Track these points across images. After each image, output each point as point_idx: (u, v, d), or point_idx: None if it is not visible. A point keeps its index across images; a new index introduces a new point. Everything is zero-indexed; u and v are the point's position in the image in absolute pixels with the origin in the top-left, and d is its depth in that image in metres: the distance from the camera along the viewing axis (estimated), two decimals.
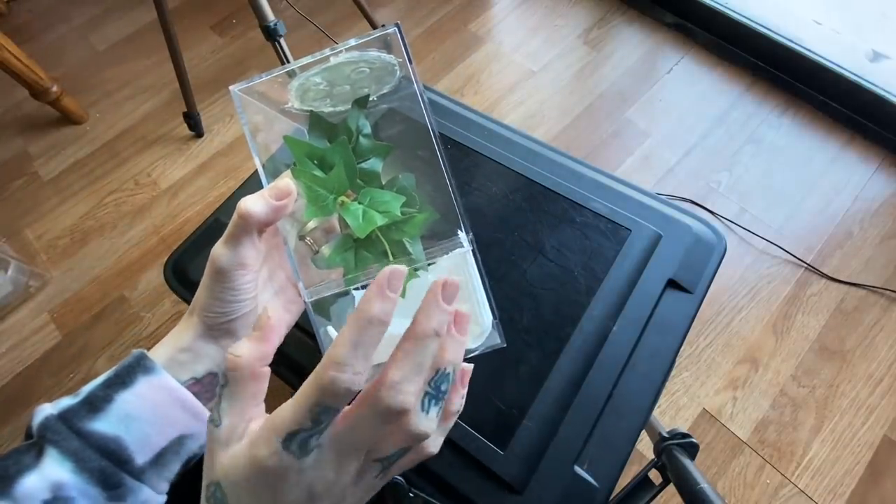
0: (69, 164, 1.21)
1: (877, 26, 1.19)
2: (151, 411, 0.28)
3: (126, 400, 0.28)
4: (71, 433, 0.26)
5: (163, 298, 1.03)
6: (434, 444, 0.24)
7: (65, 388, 0.95)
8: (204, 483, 0.22)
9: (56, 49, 1.40)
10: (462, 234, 0.28)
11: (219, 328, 0.30)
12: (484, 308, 0.29)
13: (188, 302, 0.48)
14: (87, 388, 0.29)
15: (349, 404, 0.21)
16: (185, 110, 1.17)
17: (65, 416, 0.27)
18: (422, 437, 0.21)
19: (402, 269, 0.21)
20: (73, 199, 1.16)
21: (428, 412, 0.22)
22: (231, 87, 0.28)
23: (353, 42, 0.29)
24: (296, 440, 0.20)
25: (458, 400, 0.25)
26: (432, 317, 0.21)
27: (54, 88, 1.17)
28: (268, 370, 0.22)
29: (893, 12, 1.18)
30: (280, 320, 0.23)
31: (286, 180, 0.28)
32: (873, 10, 1.21)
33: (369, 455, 0.22)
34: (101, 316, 1.02)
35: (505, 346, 0.29)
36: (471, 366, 0.26)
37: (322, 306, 0.29)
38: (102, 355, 0.97)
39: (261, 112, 0.29)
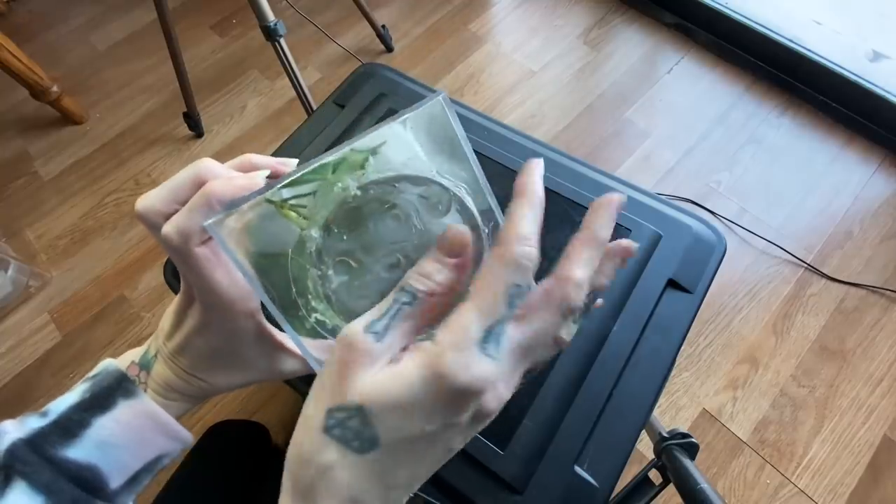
0: (69, 164, 1.21)
1: (877, 26, 1.19)
2: (131, 438, 0.27)
3: (104, 426, 0.26)
4: (42, 462, 0.24)
5: (163, 298, 1.03)
6: (568, 331, 0.22)
7: (65, 388, 0.95)
8: (321, 411, 0.18)
9: (56, 49, 1.40)
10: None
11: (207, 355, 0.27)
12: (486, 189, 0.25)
13: None
14: (57, 408, 0.26)
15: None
16: (185, 110, 1.17)
17: (35, 442, 0.25)
18: (565, 346, 0.21)
19: (539, 162, 0.21)
20: (73, 199, 1.16)
21: (576, 323, 0.21)
22: (205, 224, 0.20)
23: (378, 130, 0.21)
24: (493, 336, 0.18)
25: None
26: (608, 227, 0.20)
27: (54, 88, 1.17)
28: (454, 295, 0.20)
29: (893, 12, 1.18)
30: (474, 247, 0.19)
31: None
32: (873, 10, 1.21)
33: (528, 358, 0.20)
34: (101, 316, 1.02)
35: None
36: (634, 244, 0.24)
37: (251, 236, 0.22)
38: (102, 355, 0.98)
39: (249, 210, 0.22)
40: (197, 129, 1.22)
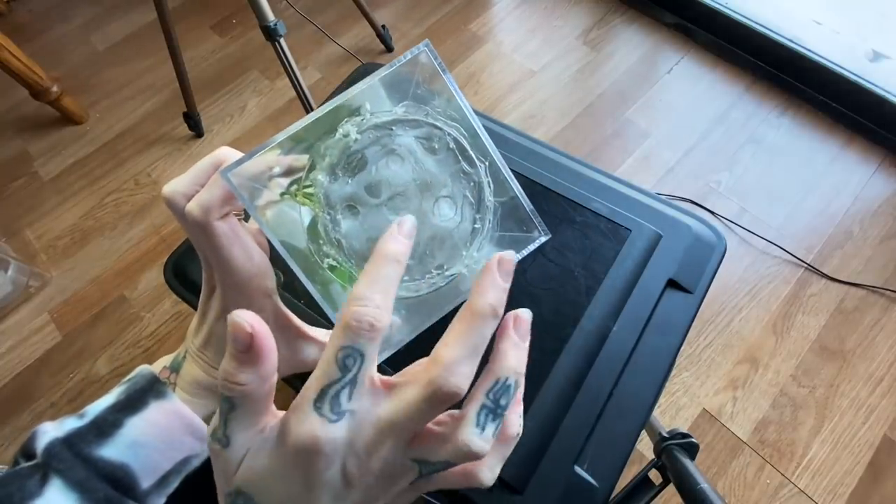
0: (69, 164, 1.21)
1: (877, 26, 1.19)
2: (161, 438, 0.28)
3: (135, 425, 0.27)
4: (77, 460, 0.25)
5: (163, 298, 1.03)
6: (489, 472, 0.21)
7: (65, 388, 0.95)
8: (220, 495, 0.21)
9: (56, 49, 1.40)
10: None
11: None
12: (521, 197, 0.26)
13: (188, 302, 0.48)
14: (94, 410, 0.28)
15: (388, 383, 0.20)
16: (185, 110, 1.17)
17: (71, 441, 0.26)
18: (470, 455, 0.19)
19: (411, 220, 0.21)
20: (73, 199, 1.16)
21: (483, 428, 0.19)
22: (221, 171, 0.23)
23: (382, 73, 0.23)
24: (327, 397, 0.18)
25: (516, 420, 0.22)
26: (488, 293, 0.19)
27: (54, 88, 1.17)
28: (275, 378, 0.20)
29: (893, 12, 1.18)
30: (261, 325, 0.18)
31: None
32: (873, 10, 1.21)
33: (409, 451, 0.19)
34: (101, 316, 1.02)
35: (550, 236, 0.27)
36: (529, 313, 0.21)
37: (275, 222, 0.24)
38: (102, 355, 0.97)
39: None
40: (197, 129, 1.22)
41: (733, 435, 0.87)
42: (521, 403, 0.22)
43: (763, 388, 0.91)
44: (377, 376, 0.20)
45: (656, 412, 0.88)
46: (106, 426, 0.27)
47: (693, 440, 0.46)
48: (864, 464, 0.84)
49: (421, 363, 0.19)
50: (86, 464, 0.26)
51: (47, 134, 1.25)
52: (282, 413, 0.20)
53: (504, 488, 0.38)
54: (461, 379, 0.18)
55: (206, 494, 0.30)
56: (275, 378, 0.19)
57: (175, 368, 0.31)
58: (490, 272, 0.20)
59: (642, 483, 0.45)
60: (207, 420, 0.30)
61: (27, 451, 0.27)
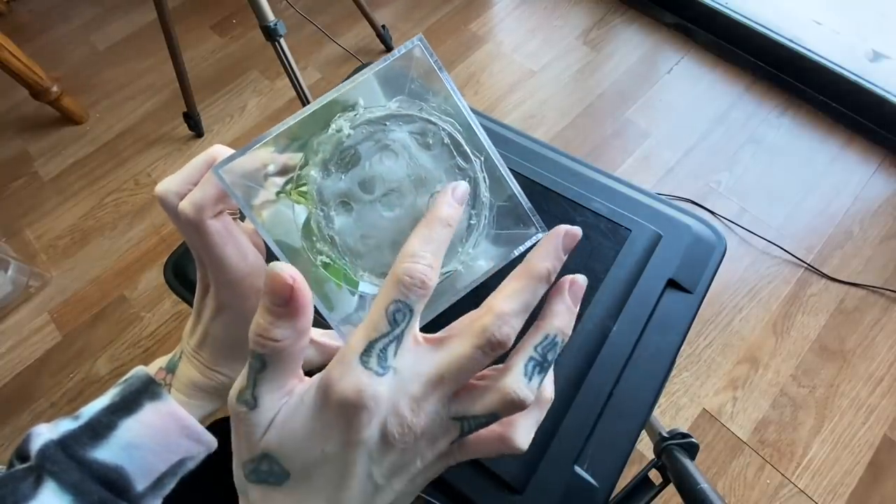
0: (69, 164, 1.21)
1: (877, 26, 1.19)
2: (155, 440, 0.27)
3: (130, 427, 0.27)
4: (72, 463, 0.25)
5: (163, 298, 1.03)
6: (525, 434, 0.22)
7: (65, 388, 0.95)
8: (238, 465, 0.20)
9: (56, 49, 1.40)
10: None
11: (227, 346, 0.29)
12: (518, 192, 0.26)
13: (188, 302, 0.48)
14: (88, 411, 0.28)
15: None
16: (185, 110, 1.17)
17: (65, 444, 0.26)
18: (516, 404, 0.19)
19: (465, 185, 0.21)
20: (73, 199, 1.16)
21: (530, 379, 0.19)
22: (213, 168, 0.22)
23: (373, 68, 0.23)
24: (374, 351, 0.18)
25: (550, 385, 0.23)
26: (548, 259, 0.20)
27: (54, 88, 1.17)
28: (309, 336, 0.19)
29: (893, 12, 1.18)
30: (301, 277, 0.18)
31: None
32: (873, 10, 1.21)
33: (452, 407, 0.19)
34: (101, 316, 1.02)
35: (547, 232, 0.27)
36: (585, 279, 0.22)
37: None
38: (102, 355, 0.97)
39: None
40: (197, 129, 1.22)
41: (733, 435, 0.87)
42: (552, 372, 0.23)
43: (763, 388, 0.91)
44: (420, 334, 0.20)
45: (656, 412, 0.88)
46: (100, 428, 0.27)
47: (693, 440, 0.46)
48: (864, 464, 0.84)
49: (468, 316, 0.20)
50: (80, 466, 0.25)
51: (47, 134, 1.25)
52: (308, 379, 0.20)
53: (504, 488, 0.38)
54: (512, 330, 0.19)
55: (201, 496, 0.30)
56: (308, 336, 0.19)
57: (171, 369, 0.30)
58: (554, 239, 0.20)
59: (642, 483, 0.45)
60: (203, 421, 0.30)
61: (22, 454, 0.26)
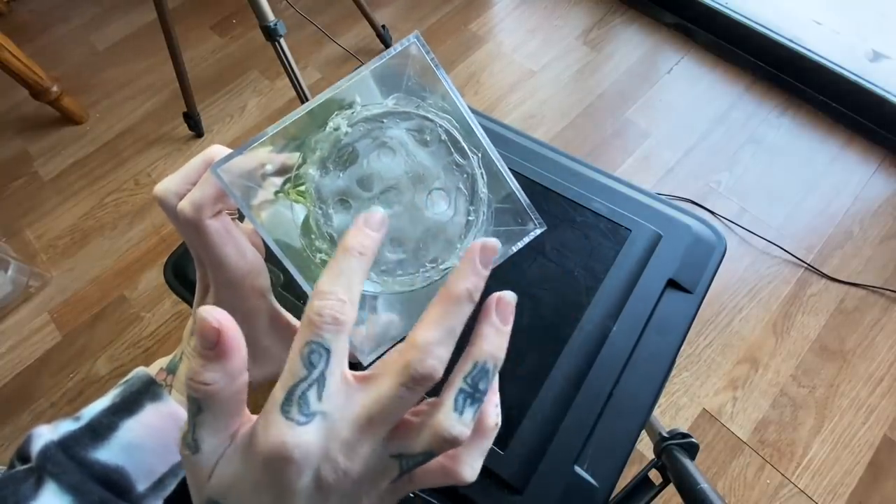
0: (69, 164, 1.21)
1: (877, 26, 1.19)
2: (156, 440, 0.28)
3: (131, 428, 0.27)
4: (72, 464, 0.25)
5: (163, 298, 1.03)
6: (469, 469, 0.21)
7: (65, 388, 0.95)
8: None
9: (56, 49, 1.40)
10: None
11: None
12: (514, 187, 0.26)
13: (188, 302, 0.48)
14: (89, 412, 0.28)
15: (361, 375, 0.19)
16: (185, 110, 1.17)
17: (66, 445, 0.26)
18: (450, 441, 0.18)
19: (380, 213, 0.21)
20: (73, 199, 1.16)
21: (462, 413, 0.18)
22: (211, 167, 0.22)
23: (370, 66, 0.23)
24: (294, 398, 0.17)
25: (493, 410, 0.21)
26: (466, 278, 0.19)
27: (54, 88, 1.17)
28: (246, 377, 0.19)
29: (893, 12, 1.18)
30: (229, 320, 0.17)
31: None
32: (873, 10, 1.21)
33: (388, 446, 0.19)
34: (101, 316, 1.02)
35: (545, 228, 0.26)
36: (513, 296, 0.20)
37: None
38: (102, 355, 0.97)
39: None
40: (197, 129, 1.22)
41: (733, 435, 0.87)
42: (498, 394, 0.22)
43: (763, 388, 0.91)
44: (349, 372, 0.19)
45: (656, 412, 0.88)
46: (101, 429, 0.27)
47: (693, 440, 0.46)
48: (864, 464, 0.84)
49: (395, 350, 0.19)
50: (81, 467, 0.25)
51: (47, 134, 1.25)
52: (251, 419, 0.19)
53: (504, 488, 0.38)
54: (437, 361, 0.18)
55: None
56: (244, 378, 0.18)
57: (172, 370, 0.30)
58: (471, 257, 0.19)
59: (642, 483, 0.45)
60: None
61: (22, 455, 0.26)
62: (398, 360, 0.18)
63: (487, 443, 0.21)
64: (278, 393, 0.17)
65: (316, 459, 0.17)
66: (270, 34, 0.86)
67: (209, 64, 1.35)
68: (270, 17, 0.85)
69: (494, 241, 0.20)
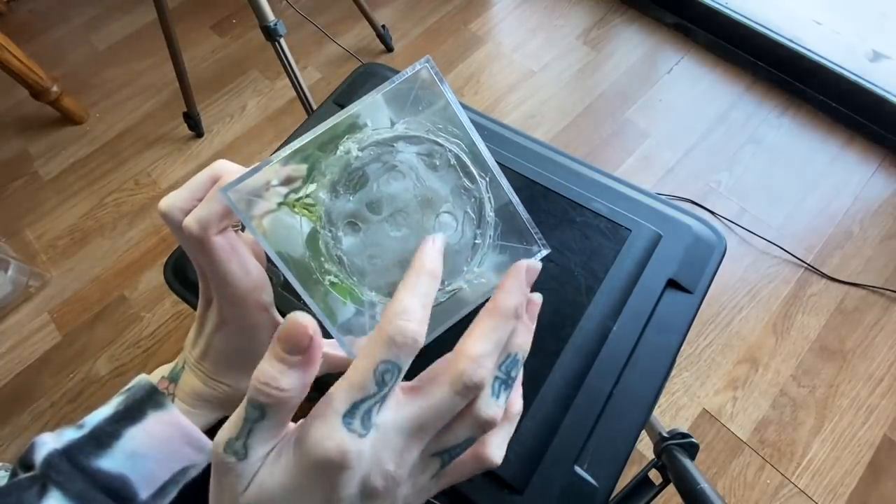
0: (69, 164, 1.21)
1: (877, 26, 1.19)
2: (159, 448, 0.28)
3: (134, 436, 0.27)
4: (76, 472, 0.25)
5: (163, 298, 1.03)
6: (498, 450, 0.22)
7: (65, 388, 0.95)
8: None
9: (56, 49, 1.40)
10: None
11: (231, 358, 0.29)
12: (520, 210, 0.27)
13: (188, 302, 0.48)
14: (93, 420, 0.28)
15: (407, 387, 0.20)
16: (185, 110, 1.17)
17: (69, 453, 0.26)
18: (489, 423, 0.20)
19: (442, 236, 0.22)
20: (73, 199, 1.16)
21: (498, 397, 0.20)
22: (221, 190, 0.22)
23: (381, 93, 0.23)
24: (359, 412, 0.17)
25: (517, 399, 0.23)
26: (515, 296, 0.20)
27: (54, 88, 1.17)
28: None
29: (893, 12, 1.18)
30: (319, 331, 0.17)
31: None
32: (873, 10, 1.21)
33: (430, 447, 0.20)
34: (101, 316, 1.02)
35: (550, 251, 0.27)
36: (541, 297, 0.23)
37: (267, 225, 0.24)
38: (102, 355, 0.97)
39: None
40: (197, 129, 1.22)
41: (733, 435, 0.87)
42: (520, 385, 0.23)
43: (763, 388, 0.91)
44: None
45: (656, 412, 0.88)
46: (104, 437, 0.27)
47: (693, 440, 0.46)
48: (864, 464, 0.84)
49: (441, 361, 0.20)
50: (84, 475, 0.26)
51: (47, 134, 1.25)
52: (291, 427, 0.19)
53: (504, 488, 0.38)
54: (486, 372, 0.19)
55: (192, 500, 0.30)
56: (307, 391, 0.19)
57: (174, 379, 0.31)
58: (517, 276, 0.21)
59: (642, 483, 0.45)
60: (206, 431, 0.30)
61: (26, 463, 0.26)
62: (451, 369, 0.19)
63: (512, 427, 0.23)
64: (341, 403, 0.17)
65: (368, 467, 0.18)
66: (270, 34, 0.86)
67: (209, 64, 1.35)
68: (270, 17, 0.85)
69: (538, 264, 0.22)
